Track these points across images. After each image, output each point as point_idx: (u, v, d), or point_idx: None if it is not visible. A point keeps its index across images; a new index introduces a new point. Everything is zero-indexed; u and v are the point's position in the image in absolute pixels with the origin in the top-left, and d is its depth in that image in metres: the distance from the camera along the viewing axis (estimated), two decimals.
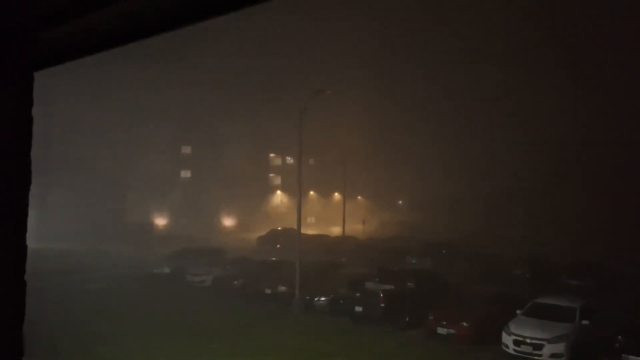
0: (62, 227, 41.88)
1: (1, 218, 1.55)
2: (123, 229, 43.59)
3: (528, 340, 15.00)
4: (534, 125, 58.75)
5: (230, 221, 56.99)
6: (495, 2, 62.19)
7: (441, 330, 16.75)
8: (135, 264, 30.42)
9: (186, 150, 56.06)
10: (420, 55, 68.48)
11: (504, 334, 15.63)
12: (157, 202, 51.13)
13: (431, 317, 17.23)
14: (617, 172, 48.47)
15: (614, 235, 37.08)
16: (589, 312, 16.23)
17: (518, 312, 16.66)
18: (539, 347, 14.86)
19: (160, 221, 52.02)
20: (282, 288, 22.19)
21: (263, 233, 43.60)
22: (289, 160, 63.83)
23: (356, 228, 48.44)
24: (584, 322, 15.57)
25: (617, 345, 14.13)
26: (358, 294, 19.58)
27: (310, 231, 44.55)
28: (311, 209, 62.06)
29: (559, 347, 14.79)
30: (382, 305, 18.54)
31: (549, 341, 14.87)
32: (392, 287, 20.06)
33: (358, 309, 18.87)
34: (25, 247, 1.60)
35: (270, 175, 64.71)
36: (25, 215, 1.61)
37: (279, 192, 64.73)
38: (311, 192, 63.76)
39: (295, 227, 25.00)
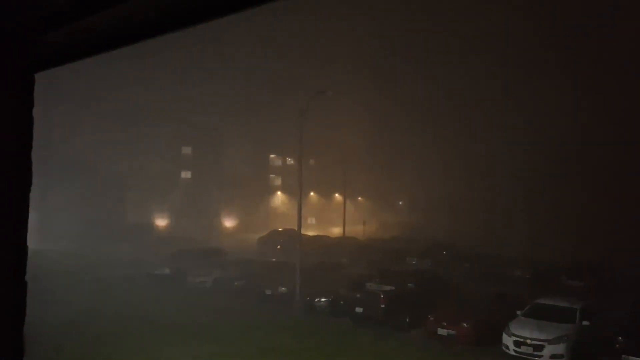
0: (62, 228, 41.89)
1: (2, 219, 1.55)
2: (123, 230, 43.58)
3: (528, 341, 15.00)
4: (534, 125, 58.80)
5: (231, 222, 56.99)
6: (495, 2, 62.24)
7: (441, 331, 16.75)
8: (136, 265, 30.41)
9: (186, 150, 56.07)
10: (421, 56, 68.53)
11: (504, 335, 15.63)
12: (157, 202, 51.13)
13: (431, 318, 17.22)
14: (617, 172, 48.46)
15: (614, 235, 37.06)
16: (589, 312, 16.23)
17: (518, 312, 16.66)
18: (540, 347, 14.85)
19: (161, 222, 52.02)
20: (283, 289, 22.20)
21: (263, 234, 43.60)
22: (290, 161, 63.85)
23: (356, 229, 48.44)
24: (585, 322, 15.56)
25: (617, 346, 14.12)
26: (358, 295, 19.59)
27: (310, 232, 44.58)
28: (311, 210, 62.06)
29: (560, 348, 14.79)
30: (383, 306, 18.55)
31: (550, 342, 14.87)
32: (393, 287, 20.08)
33: (358, 309, 18.88)
34: (25, 248, 1.60)
35: (271, 176, 64.72)
36: (26, 215, 1.61)
37: (279, 193, 64.73)
38: (312, 193, 63.78)
39: (295, 227, 25.01)
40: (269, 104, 54.55)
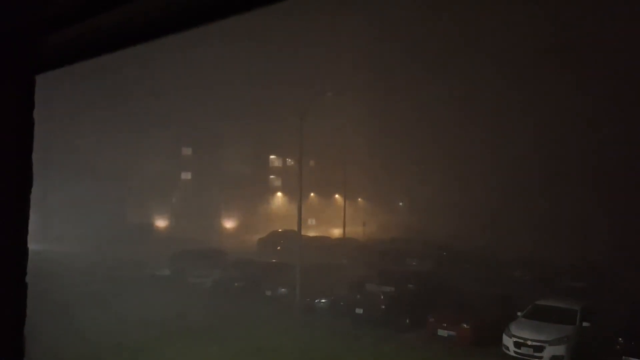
0: (63, 229, 41.91)
1: (3, 220, 1.56)
2: (124, 231, 43.59)
3: (529, 342, 15.00)
4: (534, 125, 58.80)
5: (231, 223, 56.97)
6: (495, 2, 62.28)
7: (442, 332, 16.75)
8: (136, 266, 30.39)
9: (187, 151, 56.08)
10: (421, 56, 68.51)
11: (504, 336, 15.63)
12: (157, 203, 51.15)
13: (431, 319, 17.22)
14: (617, 172, 48.47)
15: (614, 236, 37.04)
16: (589, 314, 16.22)
17: (519, 313, 16.66)
18: (540, 349, 14.84)
19: (161, 223, 52.03)
20: (283, 290, 22.21)
21: (264, 235, 43.58)
22: (290, 162, 63.83)
23: (356, 230, 48.43)
24: (585, 324, 15.56)
25: (618, 347, 14.13)
26: (359, 296, 19.61)
27: (310, 233, 44.54)
28: (312, 211, 62.01)
29: (560, 349, 14.78)
30: (383, 307, 18.55)
31: (550, 343, 14.86)
32: (393, 288, 20.09)
33: (359, 310, 18.88)
34: (26, 249, 1.61)
35: (271, 177, 64.69)
36: (27, 217, 1.62)
37: (279, 193, 64.70)
38: (312, 194, 63.74)
39: (295, 228, 25.00)
40: (269, 105, 54.55)
